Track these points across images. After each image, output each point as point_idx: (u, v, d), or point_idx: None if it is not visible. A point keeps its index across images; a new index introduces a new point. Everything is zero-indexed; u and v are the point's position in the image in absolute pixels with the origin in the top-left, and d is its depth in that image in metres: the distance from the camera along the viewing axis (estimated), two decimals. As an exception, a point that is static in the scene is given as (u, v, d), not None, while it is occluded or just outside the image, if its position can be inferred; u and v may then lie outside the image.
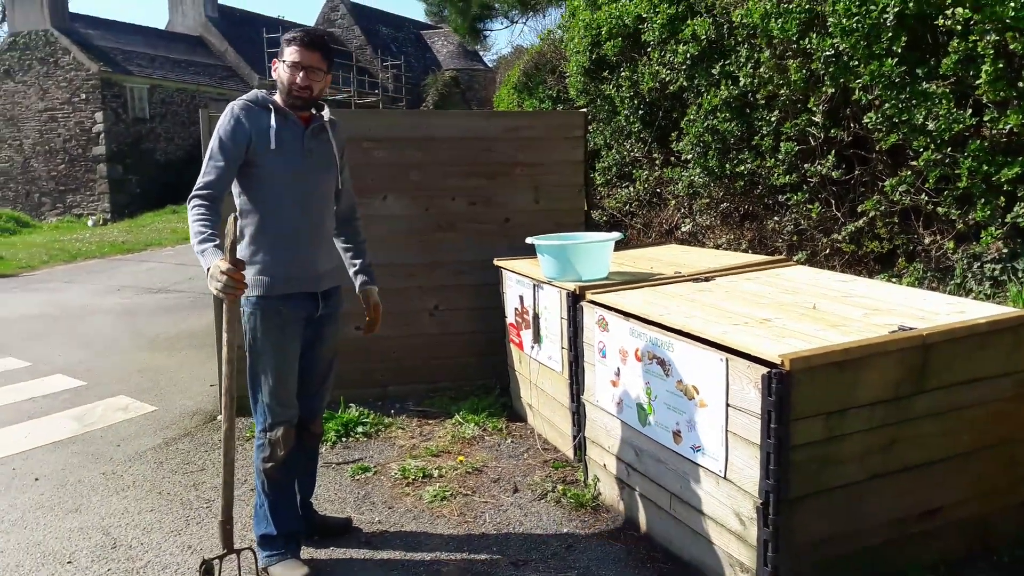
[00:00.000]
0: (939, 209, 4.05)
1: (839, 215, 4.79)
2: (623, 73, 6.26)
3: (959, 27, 3.63)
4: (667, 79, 5.79)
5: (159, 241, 16.06)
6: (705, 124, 5.34)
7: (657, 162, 7.08)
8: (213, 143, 2.61)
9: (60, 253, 14.35)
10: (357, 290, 3.03)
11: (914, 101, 3.88)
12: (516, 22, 8.24)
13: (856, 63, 4.16)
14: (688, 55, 5.32)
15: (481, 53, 36.67)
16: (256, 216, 2.66)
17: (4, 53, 24.34)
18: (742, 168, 5.21)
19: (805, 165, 4.82)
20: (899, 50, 3.90)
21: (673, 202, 6.98)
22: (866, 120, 4.26)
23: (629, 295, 3.27)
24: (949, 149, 3.86)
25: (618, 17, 6.05)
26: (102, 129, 23.43)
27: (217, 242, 2.45)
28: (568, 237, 3.94)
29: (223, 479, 2.57)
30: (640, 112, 6.59)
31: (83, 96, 23.51)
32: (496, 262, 4.47)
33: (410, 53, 35.89)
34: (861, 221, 4.60)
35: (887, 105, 4.03)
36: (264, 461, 2.76)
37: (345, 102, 29.34)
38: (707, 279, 3.51)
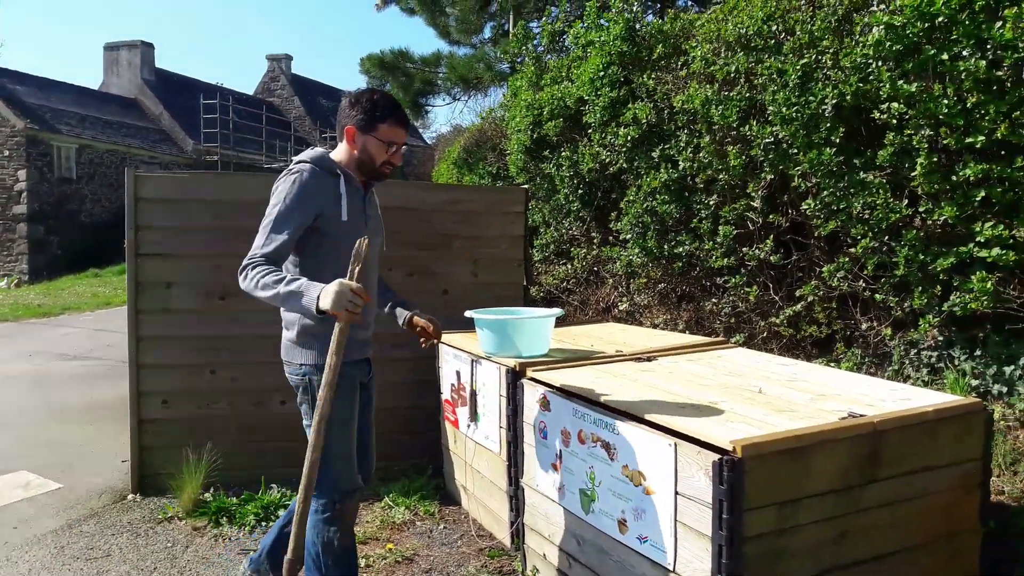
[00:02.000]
0: (877, 296, 4.11)
1: (777, 299, 4.83)
2: (563, 153, 6.33)
3: (894, 120, 3.75)
4: (607, 160, 5.86)
5: (78, 305, 15.32)
6: (644, 205, 5.38)
7: (595, 241, 7.12)
8: (278, 211, 2.45)
9: (-33, 315, 13.52)
10: (403, 324, 2.96)
11: (852, 190, 3.97)
12: (457, 99, 8.34)
13: (795, 151, 4.26)
14: (629, 138, 5.40)
15: (420, 130, 37.15)
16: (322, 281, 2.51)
17: (-76, 106, 23.41)
18: (680, 250, 5.24)
19: (743, 249, 4.87)
20: (837, 140, 4.02)
21: (611, 281, 6.99)
22: (804, 207, 4.34)
23: (571, 373, 3.16)
24: (886, 238, 3.94)
25: (560, 99, 6.14)
26: (24, 187, 22.58)
27: (304, 279, 2.32)
28: (508, 311, 3.84)
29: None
30: (580, 192, 6.65)
31: (7, 153, 22.71)
32: (434, 337, 4.32)
33: (350, 126, 35.85)
34: (799, 305, 4.64)
35: (825, 193, 4.12)
36: (335, 533, 2.57)
37: (280, 171, 29.07)
38: (649, 359, 3.44)
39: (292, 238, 2.45)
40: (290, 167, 2.59)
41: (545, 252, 8.02)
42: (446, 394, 4.20)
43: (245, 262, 2.40)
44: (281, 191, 2.50)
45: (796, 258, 4.74)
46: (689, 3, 5.56)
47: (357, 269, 2.27)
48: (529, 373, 3.25)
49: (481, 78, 8.01)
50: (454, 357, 4.05)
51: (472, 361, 3.79)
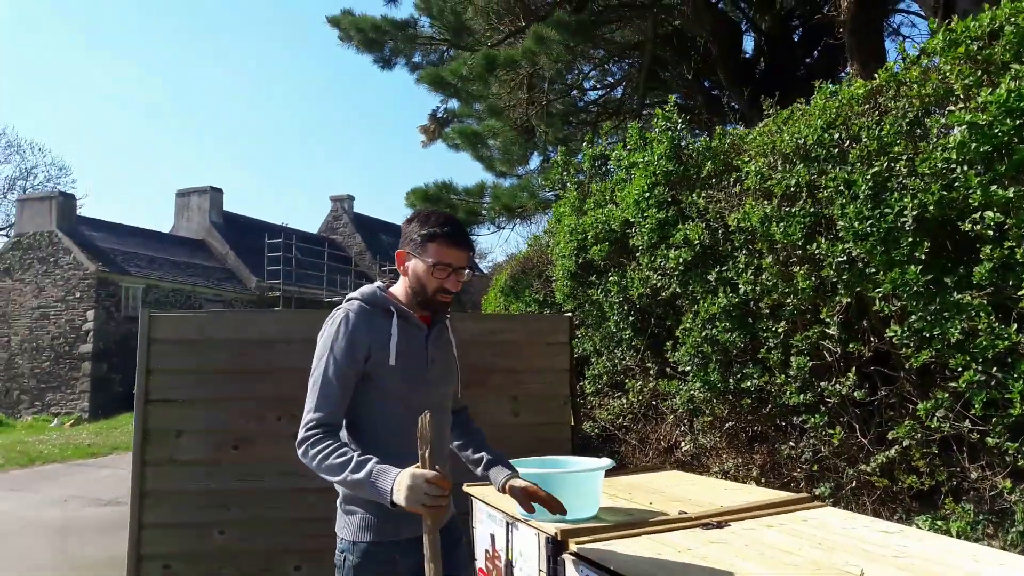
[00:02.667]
0: (988, 439, 3.43)
1: (866, 442, 4.15)
2: (611, 278, 5.89)
3: (990, 232, 3.21)
4: (658, 285, 5.39)
5: (128, 444, 15.16)
6: (703, 334, 4.84)
7: (651, 372, 6.55)
8: (324, 363, 2.19)
9: (18, 456, 13.45)
10: (498, 488, 2.56)
11: (946, 313, 3.38)
12: (503, 228, 8.13)
13: (873, 270, 3.72)
14: (680, 260, 4.94)
15: (477, 260, 37.67)
16: (363, 438, 2.24)
17: (7, 252, 24.72)
18: (748, 384, 4.64)
19: (821, 383, 4.25)
20: (922, 256, 3.47)
21: (671, 417, 6.35)
22: (890, 334, 3.75)
23: (624, 546, 2.57)
24: (994, 369, 3.31)
25: (604, 222, 5.77)
26: (92, 327, 23.24)
27: (375, 458, 2.01)
28: (550, 463, 3.30)
29: None
30: (631, 318, 6.15)
31: (77, 295, 23.59)
32: (466, 488, 3.77)
33: (408, 259, 36.70)
34: (893, 450, 3.96)
35: (914, 317, 3.54)
36: None
37: (339, 303, 29.68)
38: (720, 525, 2.81)
39: (346, 392, 2.19)
40: (338, 306, 2.34)
41: (598, 384, 7.44)
42: (480, 561, 3.60)
43: (301, 435, 2.12)
44: (326, 338, 2.24)
45: (884, 394, 4.09)
46: (736, 124, 5.23)
47: (427, 453, 1.90)
48: (572, 545, 2.66)
49: (525, 206, 7.79)
50: (488, 517, 3.48)
51: (508, 524, 3.22)
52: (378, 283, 2.42)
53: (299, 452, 2.12)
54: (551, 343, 4.44)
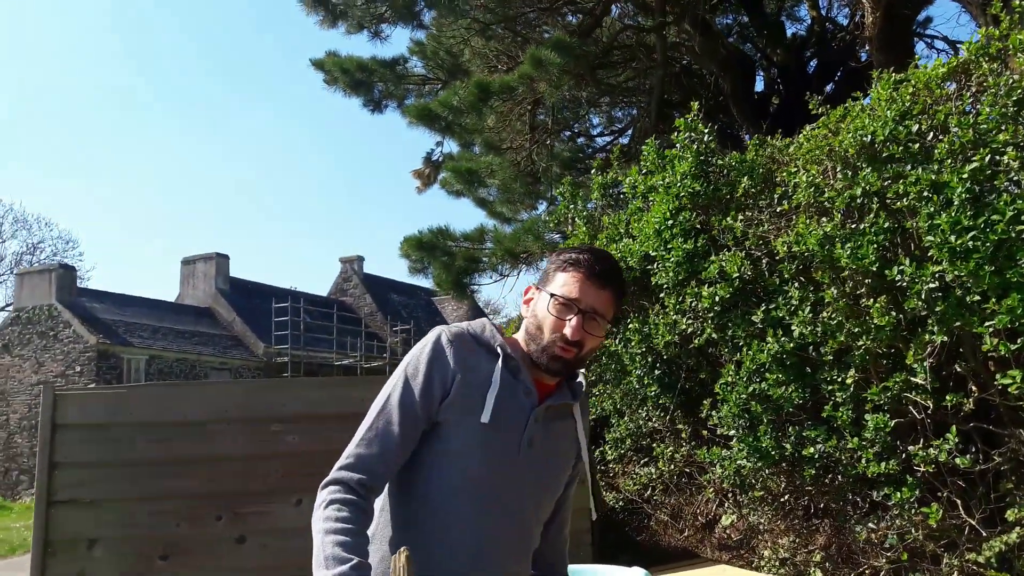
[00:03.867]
0: None
1: (973, 523, 3.17)
2: (631, 325, 4.99)
3: None
4: (688, 330, 4.48)
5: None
6: (750, 388, 3.91)
7: (684, 435, 5.60)
8: (387, 394, 1.60)
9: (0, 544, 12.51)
10: None
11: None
12: (506, 276, 7.30)
13: (978, 298, 2.81)
14: (716, 299, 4.04)
15: (491, 316, 36.97)
16: (403, 517, 1.61)
17: (5, 328, 24.18)
18: (811, 450, 3.68)
19: (909, 447, 3.30)
20: (1055, 274, 2.56)
21: (710, 490, 5.38)
22: (1005, 381, 2.81)
23: None
24: None
25: (620, 259, 4.89)
26: (92, 401, 22.49)
27: (357, 562, 1.41)
28: (575, 572, 2.44)
29: None
30: (656, 372, 5.23)
31: (78, 368, 22.94)
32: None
33: (420, 318, 36.45)
34: (1014, 534, 2.99)
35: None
36: None
37: (351, 367, 28.97)
38: None
39: (405, 436, 1.56)
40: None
41: (620, 448, 6.54)
42: None
43: (328, 478, 1.56)
44: (404, 362, 1.64)
45: (998, 460, 3.13)
46: (775, 134, 4.40)
47: None
48: None
49: (530, 250, 6.96)
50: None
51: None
52: (490, 324, 1.71)
53: (320, 492, 1.55)
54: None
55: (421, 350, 1.62)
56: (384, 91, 8.59)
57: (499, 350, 1.62)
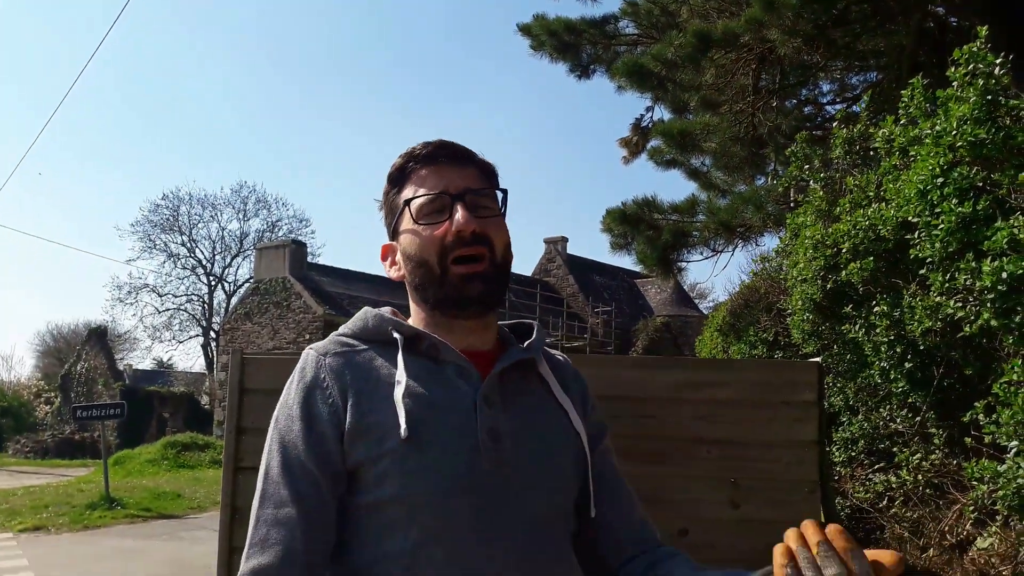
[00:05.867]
0: None
1: None
2: (878, 308, 4.20)
3: None
4: (958, 316, 3.64)
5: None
6: (1046, 391, 3.06)
7: (937, 440, 4.74)
8: (265, 469, 1.16)
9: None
10: None
11: None
12: (719, 251, 6.58)
13: None
14: (1002, 276, 3.20)
15: (697, 301, 35.73)
16: None
17: (248, 298, 26.97)
18: None
19: None
20: None
21: (971, 510, 4.47)
22: None
23: None
24: None
25: (868, 228, 4.10)
26: (320, 368, 24.64)
27: None
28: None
29: None
30: (907, 365, 4.41)
31: (308, 336, 25.05)
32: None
33: (622, 300, 36.18)
34: None
35: None
36: None
37: (553, 345, 29.43)
38: None
39: (312, 513, 1.10)
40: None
41: (851, 451, 5.84)
42: None
43: None
44: (272, 422, 1.24)
45: None
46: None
47: None
48: None
49: (750, 223, 6.22)
50: None
51: None
52: (385, 309, 1.33)
53: None
54: (789, 402, 2.89)
55: (287, 389, 1.23)
56: (592, 55, 8.15)
57: (394, 334, 1.22)
